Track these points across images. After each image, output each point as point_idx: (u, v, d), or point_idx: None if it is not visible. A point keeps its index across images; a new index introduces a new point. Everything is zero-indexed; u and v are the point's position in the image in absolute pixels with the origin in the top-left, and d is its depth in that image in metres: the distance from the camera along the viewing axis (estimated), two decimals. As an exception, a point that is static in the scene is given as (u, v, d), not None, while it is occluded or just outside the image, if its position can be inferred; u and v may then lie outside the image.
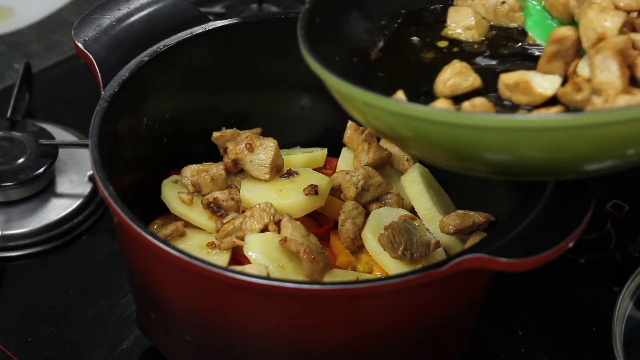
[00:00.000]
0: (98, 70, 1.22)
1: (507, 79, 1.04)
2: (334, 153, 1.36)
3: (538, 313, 1.33)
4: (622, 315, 1.27)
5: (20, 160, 1.43)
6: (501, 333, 1.30)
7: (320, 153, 1.35)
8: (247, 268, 1.12)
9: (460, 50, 1.14)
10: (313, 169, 1.31)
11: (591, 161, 0.97)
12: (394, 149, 1.34)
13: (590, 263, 1.38)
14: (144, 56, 1.24)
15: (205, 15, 1.32)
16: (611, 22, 1.02)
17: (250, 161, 1.26)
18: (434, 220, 1.26)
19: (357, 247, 1.24)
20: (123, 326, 1.30)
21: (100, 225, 1.43)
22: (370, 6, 1.14)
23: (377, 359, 1.13)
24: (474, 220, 1.22)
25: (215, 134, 1.31)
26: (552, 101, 1.03)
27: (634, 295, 1.29)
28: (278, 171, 1.27)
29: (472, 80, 1.06)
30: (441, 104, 1.03)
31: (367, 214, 1.27)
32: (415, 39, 1.15)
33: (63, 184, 1.46)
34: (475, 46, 1.14)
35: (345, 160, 1.35)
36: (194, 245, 1.22)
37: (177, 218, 1.25)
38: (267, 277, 1.07)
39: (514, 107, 1.04)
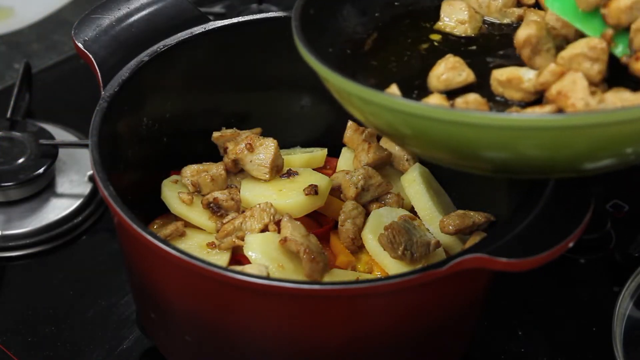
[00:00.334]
0: (98, 70, 1.22)
1: (499, 74, 1.04)
2: (334, 153, 1.36)
3: (538, 313, 1.33)
4: (622, 315, 1.27)
5: (20, 160, 1.43)
6: (501, 333, 1.30)
7: (320, 153, 1.35)
8: (247, 268, 1.12)
9: (453, 44, 1.14)
10: (313, 169, 1.31)
11: (588, 160, 0.97)
12: (394, 149, 1.34)
13: (590, 263, 1.38)
14: (144, 56, 1.24)
15: (205, 15, 1.32)
16: None
17: (250, 161, 1.26)
18: (434, 220, 1.26)
19: (357, 247, 1.24)
20: (123, 326, 1.30)
21: (100, 225, 1.43)
22: (358, 3, 1.15)
23: (377, 359, 1.13)
24: (474, 220, 1.22)
25: (215, 134, 1.31)
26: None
27: (634, 295, 1.29)
28: (278, 171, 1.27)
29: (466, 75, 1.06)
30: (435, 99, 1.03)
31: (367, 214, 1.27)
32: (408, 31, 1.15)
33: (63, 184, 1.46)
34: (468, 40, 1.14)
35: (345, 160, 1.35)
36: (194, 245, 1.22)
37: (177, 218, 1.25)
38: (267, 277, 1.07)
39: (506, 104, 1.04)
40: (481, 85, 1.06)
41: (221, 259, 1.20)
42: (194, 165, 1.28)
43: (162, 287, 1.13)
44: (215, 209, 1.23)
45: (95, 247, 1.40)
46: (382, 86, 1.05)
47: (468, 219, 1.22)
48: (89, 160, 1.14)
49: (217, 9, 1.77)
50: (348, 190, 1.27)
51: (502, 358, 1.28)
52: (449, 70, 1.06)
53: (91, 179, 1.46)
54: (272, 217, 1.21)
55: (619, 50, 1.04)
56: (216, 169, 1.27)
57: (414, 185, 1.29)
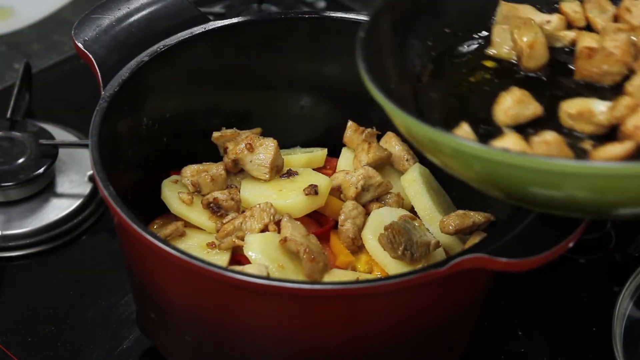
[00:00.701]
0: (98, 70, 1.22)
1: (569, 107, 1.02)
2: (334, 153, 1.36)
3: (538, 313, 1.33)
4: (622, 315, 1.27)
5: (20, 160, 1.43)
6: (501, 333, 1.30)
7: (320, 153, 1.35)
8: (247, 268, 1.12)
9: (508, 71, 1.12)
10: (313, 169, 1.31)
11: None
12: (394, 149, 1.34)
13: (590, 263, 1.38)
14: (144, 56, 1.24)
15: (205, 15, 1.32)
16: None
17: (250, 161, 1.26)
18: (434, 220, 1.26)
19: (357, 247, 1.24)
20: (123, 326, 1.30)
21: (100, 225, 1.43)
22: (417, 29, 1.12)
23: (377, 359, 1.13)
24: (474, 220, 1.22)
25: (215, 134, 1.31)
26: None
27: (634, 295, 1.29)
28: (278, 171, 1.27)
29: (534, 108, 1.04)
30: (511, 140, 0.99)
31: (367, 214, 1.27)
32: (462, 59, 1.13)
33: (63, 184, 1.46)
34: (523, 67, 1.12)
35: (345, 160, 1.35)
36: (194, 245, 1.22)
37: (177, 218, 1.25)
38: (267, 277, 1.07)
39: (576, 137, 1.02)
40: (549, 117, 1.04)
41: (221, 259, 1.20)
42: (194, 165, 1.28)
43: (162, 287, 1.13)
44: (215, 209, 1.23)
45: (95, 247, 1.40)
46: (447, 122, 1.02)
47: (468, 219, 1.22)
48: (89, 160, 1.14)
49: (217, 9, 1.76)
50: (348, 190, 1.27)
51: (502, 358, 1.28)
52: (516, 104, 1.03)
53: (91, 179, 1.46)
54: (272, 217, 1.21)
55: None
56: (216, 169, 1.27)
57: (414, 185, 1.29)
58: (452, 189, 1.33)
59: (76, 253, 1.40)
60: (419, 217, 1.27)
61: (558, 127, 1.03)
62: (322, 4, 1.81)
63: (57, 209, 1.42)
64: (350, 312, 1.07)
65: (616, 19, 1.13)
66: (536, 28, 1.11)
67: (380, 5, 1.11)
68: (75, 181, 1.46)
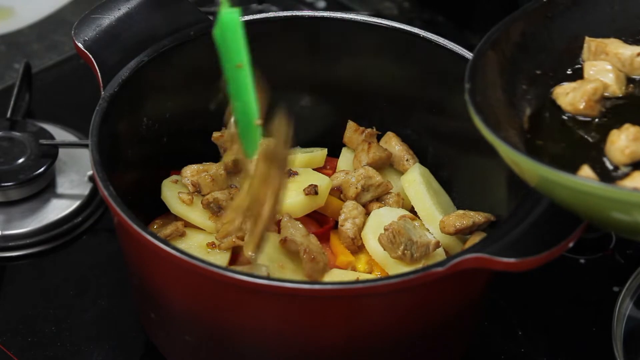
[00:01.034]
0: (98, 70, 1.22)
1: None
2: (334, 153, 1.36)
3: (538, 313, 1.33)
4: (622, 315, 1.27)
5: (20, 160, 1.43)
6: (501, 333, 1.30)
7: (320, 153, 1.35)
8: (247, 268, 1.12)
9: (610, 108, 1.11)
10: (313, 169, 1.31)
11: None
12: (394, 149, 1.34)
13: (590, 263, 1.38)
14: (144, 56, 1.24)
15: (205, 15, 1.32)
16: None
17: (250, 162, 1.26)
18: (434, 220, 1.26)
19: (357, 247, 1.24)
20: (123, 326, 1.30)
21: (100, 225, 1.43)
22: (511, 75, 1.11)
23: (377, 358, 1.13)
24: (474, 220, 1.22)
25: (215, 134, 1.31)
26: None
27: (634, 295, 1.29)
28: (279, 171, 1.27)
29: None
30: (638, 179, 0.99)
31: (367, 214, 1.27)
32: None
33: (63, 184, 1.46)
34: (619, 101, 1.11)
35: (345, 160, 1.35)
36: (194, 245, 1.22)
37: (177, 218, 1.25)
38: (267, 277, 1.07)
39: None
40: None
41: (221, 259, 1.20)
42: (193, 165, 1.27)
43: (162, 287, 1.13)
44: (216, 209, 1.23)
45: (95, 247, 1.40)
46: (562, 166, 0.99)
47: (468, 219, 1.22)
48: (89, 160, 1.14)
49: (217, 9, 1.76)
50: (348, 191, 1.27)
51: (502, 358, 1.28)
52: (632, 142, 1.02)
53: (91, 179, 1.46)
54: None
55: None
56: (216, 168, 1.27)
57: (414, 185, 1.29)
58: (452, 189, 1.34)
59: (76, 253, 1.40)
60: (419, 217, 1.27)
61: None
62: (322, 4, 1.81)
63: (57, 209, 1.42)
64: (350, 312, 1.07)
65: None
66: None
67: (476, 56, 1.10)
68: (75, 181, 1.46)
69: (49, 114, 1.56)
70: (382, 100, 1.35)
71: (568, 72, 1.15)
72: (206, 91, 1.33)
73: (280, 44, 1.33)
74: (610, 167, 1.03)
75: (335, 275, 1.19)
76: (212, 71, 1.32)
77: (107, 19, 1.26)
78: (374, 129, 1.35)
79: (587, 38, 1.15)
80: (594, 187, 0.94)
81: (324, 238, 1.25)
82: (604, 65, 1.13)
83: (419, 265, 1.19)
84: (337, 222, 1.26)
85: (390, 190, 1.30)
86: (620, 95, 1.12)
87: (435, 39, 1.29)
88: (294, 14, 1.34)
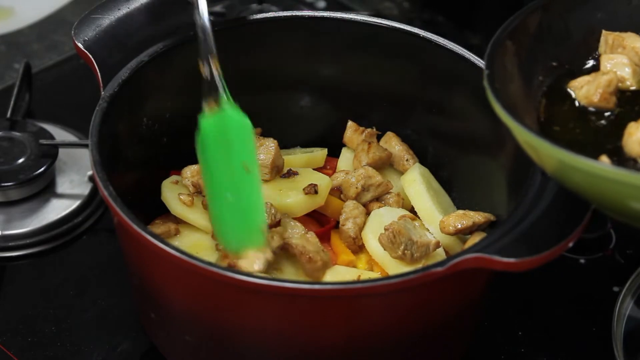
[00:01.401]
0: (98, 70, 1.22)
1: None
2: (334, 153, 1.36)
3: (538, 313, 1.33)
4: (622, 315, 1.27)
5: (20, 160, 1.43)
6: (501, 333, 1.30)
7: (320, 153, 1.35)
8: (243, 262, 1.12)
9: (622, 100, 1.11)
10: (313, 169, 1.31)
11: None
12: (394, 149, 1.34)
13: (590, 263, 1.38)
14: (144, 56, 1.24)
15: (205, 15, 1.32)
16: None
17: (251, 161, 1.26)
18: (434, 220, 1.26)
19: (358, 246, 1.24)
20: (123, 326, 1.30)
21: (100, 225, 1.43)
22: (527, 65, 1.12)
23: (377, 358, 1.13)
24: (474, 220, 1.22)
25: (215, 134, 1.31)
26: None
27: (634, 295, 1.29)
28: (279, 171, 1.27)
29: None
30: None
31: (368, 214, 1.27)
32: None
33: (63, 184, 1.46)
34: (636, 95, 1.11)
35: (345, 160, 1.35)
36: (188, 244, 1.22)
37: (177, 218, 1.25)
38: (267, 277, 1.07)
39: None
40: None
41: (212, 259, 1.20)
42: (193, 165, 1.27)
43: (162, 287, 1.13)
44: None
45: (95, 247, 1.40)
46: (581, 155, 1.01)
47: (468, 219, 1.22)
48: (89, 160, 1.14)
49: (217, 9, 1.76)
50: (348, 190, 1.27)
51: (502, 358, 1.28)
52: None
53: (91, 179, 1.46)
54: (273, 218, 1.21)
55: None
56: (216, 168, 1.27)
57: (414, 185, 1.29)
58: (452, 189, 1.34)
59: (76, 253, 1.40)
60: (419, 217, 1.27)
61: None
62: (322, 4, 1.81)
63: (57, 209, 1.42)
64: (350, 312, 1.07)
65: None
66: None
67: (493, 45, 1.10)
68: (75, 181, 1.46)
69: (49, 114, 1.56)
70: (382, 100, 1.35)
71: (585, 66, 1.15)
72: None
73: (280, 44, 1.33)
74: (627, 158, 1.03)
75: (338, 273, 1.19)
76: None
77: (107, 19, 1.26)
78: (374, 129, 1.35)
79: (604, 31, 1.15)
80: (614, 172, 0.94)
81: (325, 238, 1.25)
82: (621, 59, 1.13)
83: (419, 265, 1.19)
84: (338, 222, 1.26)
85: (391, 190, 1.30)
86: (637, 89, 1.12)
87: (435, 39, 1.29)
88: (294, 14, 1.34)
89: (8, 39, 1.76)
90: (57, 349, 1.27)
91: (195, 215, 1.24)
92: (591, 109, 1.10)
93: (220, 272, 1.03)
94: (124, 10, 1.27)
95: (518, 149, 1.05)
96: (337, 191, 1.29)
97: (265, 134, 1.32)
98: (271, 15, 1.33)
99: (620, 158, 1.03)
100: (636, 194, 0.94)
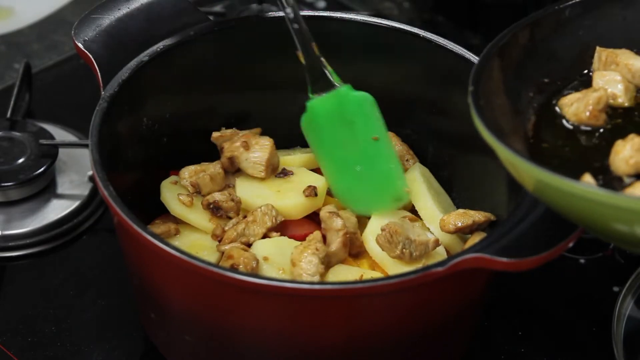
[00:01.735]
0: (98, 70, 1.22)
1: None
2: (334, 153, 1.36)
3: (538, 313, 1.33)
4: (622, 315, 1.27)
5: (20, 160, 1.43)
6: (501, 333, 1.30)
7: (320, 153, 1.35)
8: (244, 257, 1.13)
9: (615, 118, 1.10)
10: (313, 169, 1.31)
11: None
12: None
13: (590, 263, 1.38)
14: (144, 56, 1.24)
15: (205, 15, 1.32)
16: None
17: (246, 159, 1.26)
18: (434, 219, 1.26)
19: (358, 251, 1.24)
20: (123, 326, 1.30)
21: (100, 225, 1.43)
22: (516, 82, 1.11)
23: (377, 358, 1.13)
24: (474, 219, 1.22)
25: (215, 134, 1.31)
26: None
27: (634, 295, 1.29)
28: (274, 170, 1.27)
29: None
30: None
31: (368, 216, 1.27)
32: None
33: (63, 184, 1.46)
34: (627, 112, 1.10)
35: (345, 160, 1.35)
36: (187, 244, 1.22)
37: (177, 218, 1.25)
38: (267, 277, 1.07)
39: None
40: None
41: (212, 259, 1.20)
42: (191, 166, 1.28)
43: (162, 287, 1.13)
44: (215, 211, 1.23)
45: (95, 247, 1.40)
46: (564, 173, 0.99)
47: (468, 218, 1.22)
48: (89, 160, 1.14)
49: (217, 9, 1.76)
50: (348, 191, 1.28)
51: (502, 358, 1.28)
52: (636, 152, 1.00)
53: (91, 179, 1.46)
54: (274, 220, 1.21)
55: None
56: (214, 167, 1.27)
57: (414, 184, 1.29)
58: (452, 189, 1.34)
59: (76, 253, 1.40)
60: (420, 218, 1.27)
61: None
62: (322, 4, 1.81)
63: (57, 209, 1.42)
64: (350, 312, 1.07)
65: None
66: None
67: (482, 60, 1.10)
68: (75, 181, 1.46)
69: (49, 114, 1.56)
70: (381, 100, 1.35)
71: (577, 82, 1.14)
72: (206, 91, 1.33)
73: (280, 44, 1.32)
74: (614, 177, 1.02)
75: (340, 272, 1.19)
76: (212, 71, 1.32)
77: (107, 19, 1.26)
78: (374, 129, 1.35)
79: (598, 48, 1.15)
80: (593, 192, 0.93)
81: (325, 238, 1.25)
82: (614, 76, 1.12)
83: (419, 265, 1.19)
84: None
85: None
86: (629, 106, 1.11)
87: (435, 39, 1.29)
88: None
89: (8, 39, 1.76)
90: (57, 349, 1.27)
91: (195, 215, 1.24)
92: (581, 126, 1.09)
93: (220, 272, 1.03)
94: (124, 10, 1.27)
95: (518, 149, 1.04)
96: (337, 191, 1.29)
97: (265, 133, 1.32)
98: (271, 15, 1.33)
99: (607, 177, 1.02)
100: (616, 214, 0.93)
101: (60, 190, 1.45)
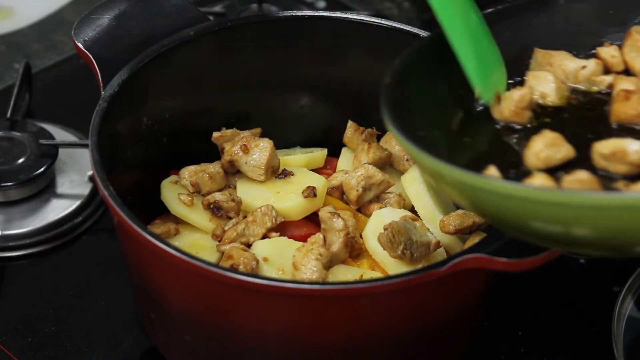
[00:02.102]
0: (98, 70, 1.22)
1: (602, 148, 1.00)
2: (334, 153, 1.36)
3: (538, 313, 1.33)
4: (622, 315, 1.27)
5: (20, 160, 1.43)
6: (501, 333, 1.30)
7: (320, 153, 1.35)
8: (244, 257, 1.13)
9: (542, 115, 1.11)
10: (313, 169, 1.31)
11: None
12: (393, 149, 1.34)
13: (590, 263, 1.38)
14: (144, 56, 1.24)
15: (205, 15, 1.32)
16: None
17: (246, 162, 1.26)
18: (434, 219, 1.26)
19: (358, 252, 1.24)
20: (123, 326, 1.30)
21: (100, 225, 1.43)
22: (448, 76, 1.11)
23: (377, 358, 1.13)
24: (474, 220, 1.22)
25: (215, 134, 1.31)
26: None
27: (634, 295, 1.29)
28: (274, 172, 1.27)
29: (566, 151, 1.02)
30: (540, 179, 0.97)
31: (369, 215, 1.27)
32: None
33: (63, 184, 1.46)
34: (557, 111, 1.11)
35: (345, 160, 1.35)
36: (187, 244, 1.22)
37: (177, 218, 1.25)
38: (267, 277, 1.07)
39: (610, 177, 0.99)
40: (581, 159, 1.02)
41: (212, 259, 1.20)
42: (191, 166, 1.28)
43: (162, 287, 1.13)
44: (216, 211, 1.23)
45: (95, 247, 1.40)
46: (476, 168, 1.00)
47: (468, 218, 1.22)
48: (89, 160, 1.14)
49: (217, 9, 1.76)
50: (350, 194, 1.28)
51: (502, 358, 1.28)
52: (548, 147, 1.01)
53: (91, 179, 1.46)
54: (274, 220, 1.21)
55: None
56: (213, 167, 1.27)
57: (414, 184, 1.29)
58: (452, 189, 1.33)
59: (76, 253, 1.40)
60: (420, 218, 1.27)
61: (591, 169, 1.00)
62: (322, 4, 1.81)
63: (57, 209, 1.42)
64: (350, 312, 1.07)
65: None
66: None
67: (410, 50, 1.10)
68: (75, 181, 1.46)
69: (49, 114, 1.56)
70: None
71: (513, 82, 1.14)
72: (206, 91, 1.33)
73: (279, 44, 1.33)
74: (526, 171, 1.02)
75: (340, 272, 1.19)
76: (212, 71, 1.32)
77: (107, 19, 1.26)
78: (374, 129, 1.35)
79: (536, 49, 1.15)
80: (479, 180, 0.92)
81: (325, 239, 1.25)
82: (546, 75, 1.13)
83: (419, 265, 1.19)
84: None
85: (392, 190, 1.30)
86: (560, 105, 1.12)
87: (435, 39, 1.29)
88: (294, 14, 1.34)
89: (8, 39, 1.76)
90: (57, 349, 1.27)
91: (195, 215, 1.24)
92: (503, 123, 1.09)
93: (221, 272, 1.03)
94: (124, 10, 1.27)
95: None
96: (336, 191, 1.29)
97: (265, 134, 1.32)
98: (271, 15, 1.33)
99: (518, 171, 1.03)
100: (511, 205, 0.92)
101: (60, 190, 1.45)
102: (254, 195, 1.25)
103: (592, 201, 0.89)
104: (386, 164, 1.33)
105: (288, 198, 1.24)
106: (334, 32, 1.32)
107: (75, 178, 1.47)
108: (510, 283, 1.24)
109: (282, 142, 1.33)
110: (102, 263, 1.38)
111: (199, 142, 1.32)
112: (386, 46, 1.32)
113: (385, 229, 1.19)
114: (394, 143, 1.34)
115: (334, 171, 1.34)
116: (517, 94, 1.09)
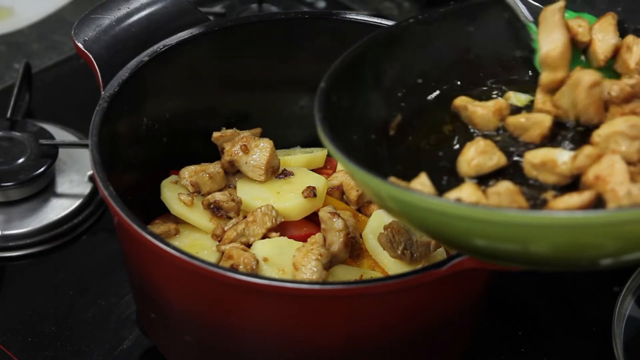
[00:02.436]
0: (98, 70, 1.22)
1: (532, 157, 1.00)
2: (334, 153, 1.36)
3: (538, 313, 1.33)
4: (622, 315, 1.27)
5: (20, 160, 1.43)
6: (501, 333, 1.30)
7: (320, 153, 1.35)
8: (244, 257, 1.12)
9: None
10: (313, 169, 1.31)
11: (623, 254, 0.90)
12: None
13: (590, 263, 1.38)
14: (144, 56, 1.24)
15: (205, 15, 1.32)
16: None
17: (246, 163, 1.26)
18: (434, 220, 1.26)
19: (358, 252, 1.24)
20: (123, 326, 1.30)
21: (100, 225, 1.43)
22: (387, 78, 1.11)
23: (377, 358, 1.13)
24: (474, 220, 1.22)
25: (215, 134, 1.31)
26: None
27: (635, 295, 1.29)
28: (274, 172, 1.27)
29: (497, 159, 1.02)
30: (467, 189, 0.97)
31: (369, 215, 1.27)
32: (433, 111, 1.12)
33: (63, 184, 1.46)
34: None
35: (345, 160, 1.35)
36: (187, 244, 1.22)
37: (177, 218, 1.25)
38: (267, 277, 1.07)
39: (540, 187, 1.00)
40: (513, 168, 1.03)
41: (212, 259, 1.20)
42: (191, 166, 1.28)
43: (162, 287, 1.13)
44: (216, 211, 1.23)
45: (95, 247, 1.40)
46: (409, 172, 1.00)
47: (468, 219, 1.22)
48: (89, 160, 1.14)
49: (217, 9, 1.76)
50: (350, 193, 1.28)
51: (502, 358, 1.28)
52: (479, 155, 1.02)
53: (91, 179, 1.46)
54: (274, 220, 1.21)
55: None
56: (213, 167, 1.27)
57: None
58: (452, 189, 1.34)
59: (76, 253, 1.40)
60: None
61: (522, 178, 1.01)
62: (322, 4, 1.81)
63: (57, 209, 1.42)
64: (350, 312, 1.07)
65: (617, 52, 1.12)
66: None
67: (347, 53, 1.10)
68: (75, 181, 1.46)
69: (49, 114, 1.56)
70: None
71: (451, 82, 1.14)
72: (206, 91, 1.33)
73: (280, 44, 1.33)
74: (458, 178, 1.03)
75: (340, 272, 1.19)
76: (212, 71, 1.32)
77: (107, 19, 1.26)
78: (374, 129, 1.35)
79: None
80: (393, 190, 0.92)
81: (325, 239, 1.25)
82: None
83: (419, 265, 1.19)
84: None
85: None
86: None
87: (435, 39, 1.29)
88: (294, 14, 1.34)
89: (8, 39, 1.76)
90: (57, 349, 1.27)
91: (195, 215, 1.24)
92: (442, 130, 1.10)
93: (220, 272, 1.03)
94: (124, 10, 1.27)
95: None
96: (336, 191, 1.29)
97: (265, 134, 1.32)
98: (271, 16, 1.33)
99: (451, 178, 1.03)
100: (430, 218, 0.92)
101: (60, 190, 1.45)
102: (254, 195, 1.25)
103: (483, 215, 0.88)
104: (386, 164, 1.33)
105: (288, 198, 1.24)
106: (334, 32, 1.32)
107: (75, 178, 1.47)
108: (510, 283, 1.24)
109: (282, 142, 1.33)
110: (102, 263, 1.38)
111: (199, 142, 1.32)
112: (386, 46, 1.32)
113: (385, 229, 1.19)
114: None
115: (334, 171, 1.34)
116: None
